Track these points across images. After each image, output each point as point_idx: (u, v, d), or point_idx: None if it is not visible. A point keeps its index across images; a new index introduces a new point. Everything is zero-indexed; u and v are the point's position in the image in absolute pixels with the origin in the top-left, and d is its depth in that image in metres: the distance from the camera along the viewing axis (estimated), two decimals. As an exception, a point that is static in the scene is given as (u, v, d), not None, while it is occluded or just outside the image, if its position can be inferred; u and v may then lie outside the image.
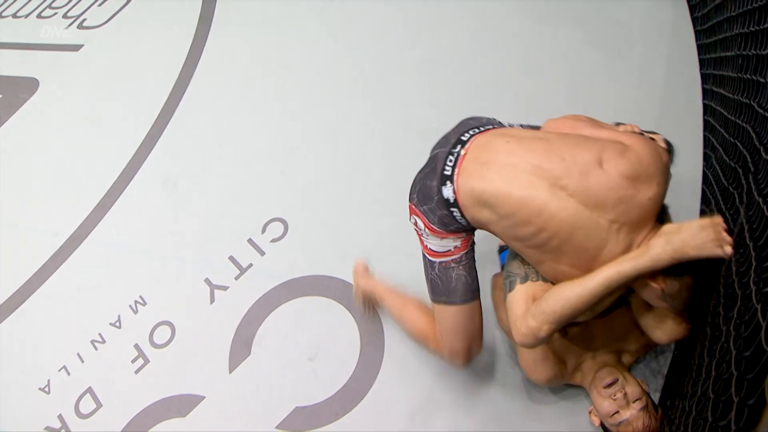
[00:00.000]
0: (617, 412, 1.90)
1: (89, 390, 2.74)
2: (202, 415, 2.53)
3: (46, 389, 2.80)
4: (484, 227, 1.79)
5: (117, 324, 2.88)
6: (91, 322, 2.93)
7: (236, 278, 2.82)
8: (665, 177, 1.62)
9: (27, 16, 4.90)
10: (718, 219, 1.49)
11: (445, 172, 1.78)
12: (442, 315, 1.97)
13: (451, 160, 1.78)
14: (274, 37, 3.77)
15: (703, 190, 2.41)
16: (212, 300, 2.79)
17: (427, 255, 1.91)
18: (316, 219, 2.88)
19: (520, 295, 1.73)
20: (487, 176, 1.70)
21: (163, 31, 4.23)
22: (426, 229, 1.86)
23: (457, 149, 1.79)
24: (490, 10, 3.32)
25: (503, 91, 2.99)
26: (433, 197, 1.81)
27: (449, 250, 1.87)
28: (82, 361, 2.83)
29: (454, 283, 1.90)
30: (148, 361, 2.73)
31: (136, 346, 2.79)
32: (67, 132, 3.80)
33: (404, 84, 3.21)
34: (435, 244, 1.88)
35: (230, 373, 2.58)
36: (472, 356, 2.04)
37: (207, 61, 3.84)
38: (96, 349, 2.85)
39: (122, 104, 3.82)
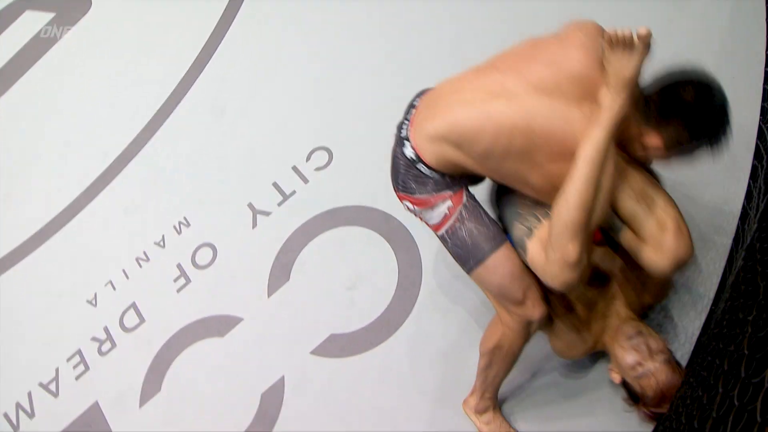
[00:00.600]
0: (639, 363, 1.83)
1: (133, 305, 2.82)
2: (239, 336, 2.59)
3: (93, 302, 2.90)
4: (455, 168, 1.73)
5: (161, 243, 2.94)
6: (136, 240, 3.00)
7: (279, 204, 2.83)
8: (596, 42, 1.57)
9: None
10: (622, 33, 1.46)
11: (402, 135, 1.77)
12: (482, 280, 1.84)
13: (405, 124, 1.78)
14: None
15: (757, 144, 2.30)
16: (254, 225, 2.81)
17: (436, 233, 1.83)
18: (360, 149, 2.86)
19: (533, 249, 1.66)
20: (433, 116, 1.70)
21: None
22: (416, 207, 1.81)
23: (410, 113, 1.80)
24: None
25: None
26: (401, 166, 1.78)
27: (446, 214, 1.79)
28: (128, 278, 2.91)
29: (470, 242, 1.78)
30: (190, 281, 2.79)
31: (179, 266, 2.85)
32: (118, 54, 3.80)
33: (458, 16, 3.11)
34: (432, 216, 1.80)
35: (268, 297, 2.62)
36: (535, 303, 1.83)
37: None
38: (140, 266, 2.92)
39: (173, 28, 3.80)
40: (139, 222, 3.05)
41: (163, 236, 2.96)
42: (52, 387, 2.76)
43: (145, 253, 2.95)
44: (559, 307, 1.91)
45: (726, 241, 2.18)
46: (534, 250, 1.66)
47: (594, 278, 1.92)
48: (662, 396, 1.80)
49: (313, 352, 2.45)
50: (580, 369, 2.14)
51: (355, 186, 2.76)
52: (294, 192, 2.84)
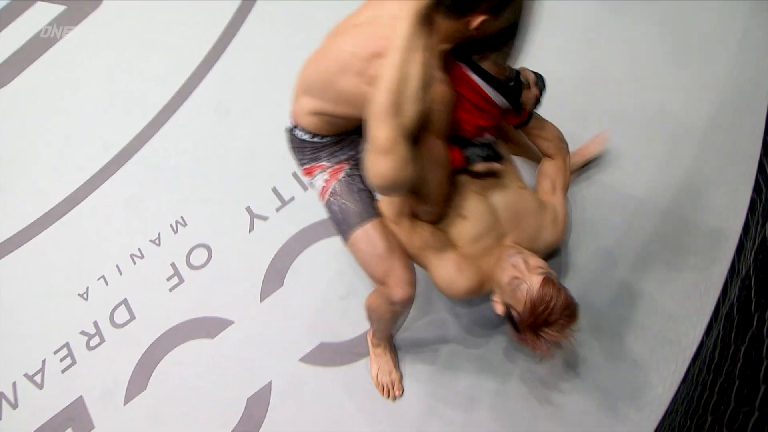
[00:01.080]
0: (516, 277, 1.82)
1: (125, 301, 2.81)
2: (229, 339, 2.58)
3: (85, 296, 2.88)
4: (321, 123, 1.82)
5: (157, 241, 2.93)
6: (132, 236, 2.99)
7: (277, 210, 2.83)
8: None
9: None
10: None
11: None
12: (352, 253, 1.93)
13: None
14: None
15: (756, 177, 2.32)
16: (251, 228, 2.81)
17: (322, 202, 1.95)
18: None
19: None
20: (299, 79, 1.84)
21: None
22: (306, 176, 1.96)
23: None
24: None
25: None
26: (292, 142, 1.95)
27: (323, 186, 1.91)
28: (121, 274, 2.90)
29: (340, 216, 1.89)
30: (183, 281, 2.78)
31: (173, 265, 2.84)
32: (125, 50, 3.80)
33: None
34: (315, 186, 1.94)
35: (261, 302, 2.61)
36: (397, 285, 1.87)
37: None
38: (135, 263, 2.91)
39: (182, 26, 3.80)
40: (136, 219, 3.04)
41: (159, 234, 2.95)
42: (38, 379, 2.74)
43: (140, 249, 2.94)
44: (444, 241, 1.94)
45: (722, 272, 2.19)
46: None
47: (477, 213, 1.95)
48: (534, 306, 1.75)
49: (302, 360, 2.44)
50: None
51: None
52: (293, 198, 2.84)
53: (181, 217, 2.96)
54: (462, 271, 1.90)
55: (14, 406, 2.70)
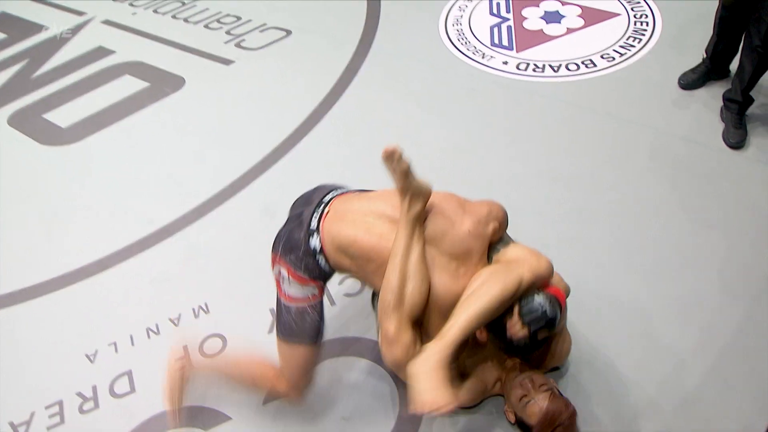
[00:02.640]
0: (525, 395, 2.13)
1: (129, 373, 2.80)
2: (223, 434, 2.54)
3: (92, 358, 2.89)
4: (346, 271, 2.19)
5: (175, 321, 2.96)
6: (153, 311, 3.02)
7: (299, 318, 2.85)
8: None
9: (196, 23, 5.27)
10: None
11: (311, 227, 2.14)
12: (292, 354, 2.25)
13: (316, 216, 2.15)
14: (407, 110, 3.91)
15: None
16: (270, 330, 2.83)
17: (284, 301, 2.22)
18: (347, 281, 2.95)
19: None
20: (344, 227, 2.08)
21: (311, 68, 4.47)
22: (290, 277, 2.17)
23: (320, 207, 2.18)
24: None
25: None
26: (300, 247, 2.14)
27: (307, 297, 2.19)
28: (132, 344, 2.91)
29: (308, 326, 2.20)
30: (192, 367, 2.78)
31: (185, 348, 2.85)
32: (193, 134, 4.01)
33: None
34: (296, 291, 2.18)
35: (263, 404, 2.59)
36: (294, 391, 2.33)
37: (337, 112, 4.01)
38: (149, 337, 2.93)
39: (251, 122, 4.02)
40: (161, 295, 3.09)
41: (179, 315, 2.98)
42: (21, 430, 2.70)
43: (157, 326, 2.96)
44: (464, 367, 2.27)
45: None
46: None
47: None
48: (545, 419, 2.06)
49: (290, 474, 2.39)
50: None
51: (347, 317, 2.80)
52: (317, 310, 2.87)
53: (205, 304, 3.00)
54: (478, 385, 2.29)
55: (-9, 452, 2.65)
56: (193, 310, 2.99)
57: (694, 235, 2.89)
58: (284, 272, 2.18)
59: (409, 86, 4.15)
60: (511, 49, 4.24)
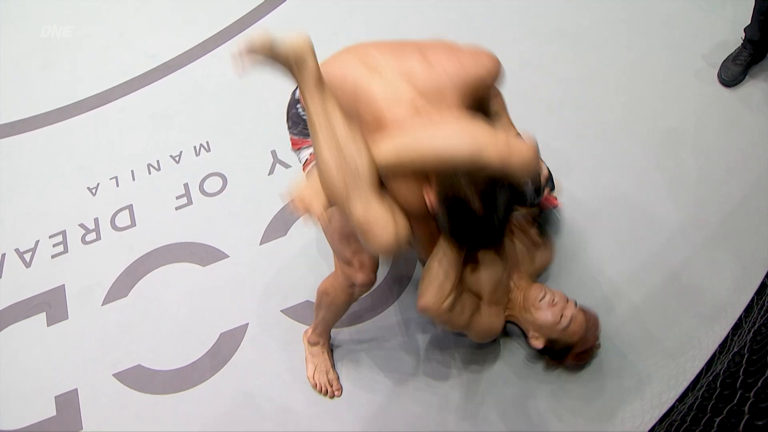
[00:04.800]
0: (561, 315, 1.98)
1: (129, 207, 2.83)
2: (219, 271, 2.58)
3: (93, 191, 2.91)
4: None
5: (176, 158, 2.95)
6: (155, 147, 3.01)
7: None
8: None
9: None
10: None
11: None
12: (323, 230, 2.00)
13: None
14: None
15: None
16: (271, 172, 2.81)
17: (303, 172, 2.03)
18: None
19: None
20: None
21: None
22: (292, 147, 2.04)
23: None
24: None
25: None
26: (290, 105, 1.97)
27: (307, 159, 1.99)
28: (133, 179, 2.91)
29: None
30: (191, 204, 2.79)
31: (186, 186, 2.85)
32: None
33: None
34: (300, 158, 2.04)
35: (260, 244, 2.62)
36: (361, 267, 1.94)
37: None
38: (149, 173, 2.93)
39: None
40: (163, 131, 3.06)
41: (180, 152, 2.96)
42: (27, 257, 2.76)
43: (158, 162, 2.95)
44: (468, 301, 1.99)
45: (711, 346, 2.17)
46: None
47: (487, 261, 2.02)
48: (586, 334, 2.02)
49: (284, 312, 2.44)
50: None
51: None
52: (319, 153, 2.83)
53: (207, 142, 2.97)
54: (498, 317, 2.06)
55: (-3, 276, 2.73)
56: (195, 147, 2.96)
57: (702, 110, 2.75)
58: (290, 143, 2.06)
59: None
60: None
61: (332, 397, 2.25)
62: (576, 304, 2.02)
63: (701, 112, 2.73)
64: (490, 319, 2.04)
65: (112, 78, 3.31)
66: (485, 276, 2.01)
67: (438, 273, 1.88)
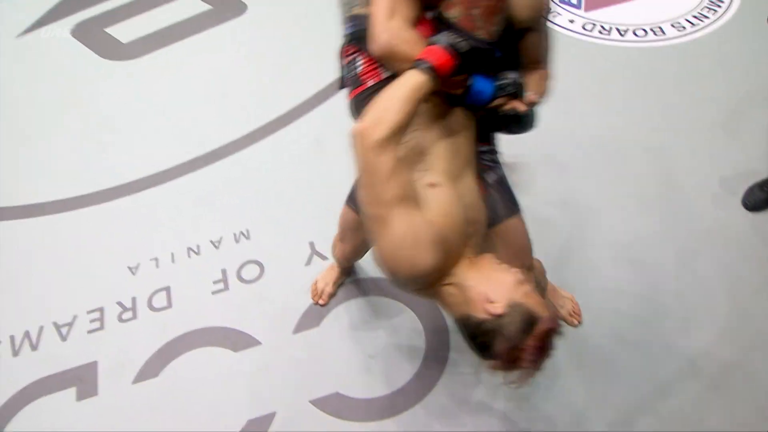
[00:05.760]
0: (524, 280, 1.50)
1: (167, 289, 2.89)
2: (251, 357, 2.62)
3: (134, 270, 2.98)
4: None
5: (216, 244, 3.02)
6: (196, 231, 3.09)
7: (337, 254, 2.89)
8: None
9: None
10: None
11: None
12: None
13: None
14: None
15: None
16: (308, 263, 2.88)
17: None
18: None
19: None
20: None
21: None
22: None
23: None
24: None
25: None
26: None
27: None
28: (173, 262, 2.99)
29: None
30: (228, 289, 2.85)
31: (223, 271, 2.92)
32: (250, 60, 3.99)
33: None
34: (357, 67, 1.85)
35: (293, 333, 2.65)
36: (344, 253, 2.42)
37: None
38: (189, 257, 3.00)
39: (312, 51, 3.93)
40: (205, 216, 3.15)
41: (221, 238, 3.04)
42: (64, 330, 2.82)
43: (198, 246, 3.03)
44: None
45: None
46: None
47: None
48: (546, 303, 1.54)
49: (313, 402, 2.45)
50: None
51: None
52: (355, 248, 2.90)
53: (247, 230, 3.05)
54: (435, 244, 1.46)
55: (34, 347, 2.78)
56: (234, 234, 3.05)
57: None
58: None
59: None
60: (579, 7, 4.11)
61: (316, 303, 2.72)
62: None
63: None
64: (421, 228, 1.46)
65: (161, 163, 3.44)
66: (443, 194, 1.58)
67: (391, 102, 1.50)
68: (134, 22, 4.38)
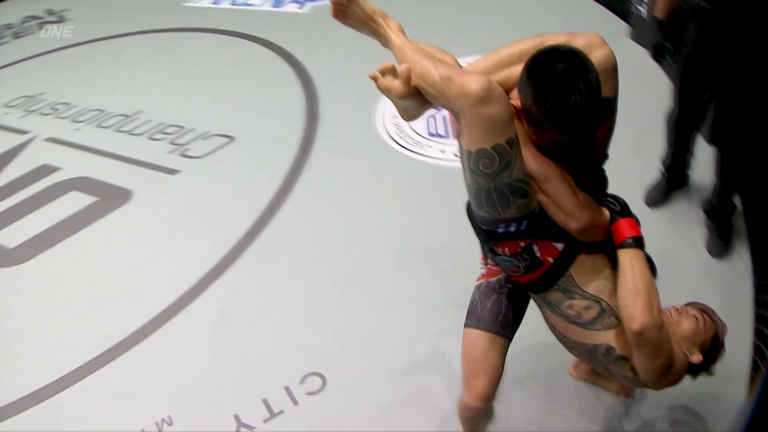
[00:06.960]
0: (693, 315, 1.89)
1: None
2: None
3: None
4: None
5: (138, 437, 2.93)
6: (115, 428, 2.98)
7: (264, 421, 2.84)
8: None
9: (140, 135, 5.39)
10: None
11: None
12: (463, 340, 2.07)
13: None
14: (353, 206, 4.04)
15: None
16: (236, 438, 2.83)
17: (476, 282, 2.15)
18: (356, 382, 2.93)
19: None
20: None
21: (254, 173, 4.59)
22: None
23: None
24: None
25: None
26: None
27: (479, 276, 2.15)
28: (94, 462, 2.86)
29: (470, 306, 2.10)
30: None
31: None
32: (144, 245, 4.05)
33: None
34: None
35: None
36: (471, 391, 2.01)
37: (286, 212, 4.11)
38: (111, 457, 2.88)
39: (202, 231, 4.08)
40: (122, 411, 3.05)
41: (142, 430, 2.95)
42: None
43: (117, 443, 2.92)
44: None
45: None
46: None
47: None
48: (712, 316, 1.91)
49: None
50: None
51: (346, 417, 2.80)
52: (282, 412, 2.87)
53: (168, 416, 2.97)
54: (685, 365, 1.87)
55: None
56: (157, 423, 2.96)
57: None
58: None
59: (352, 179, 4.30)
60: (447, 137, 4.45)
61: None
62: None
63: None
64: (679, 356, 1.84)
65: (67, 364, 3.34)
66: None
67: (631, 286, 1.74)
68: (18, 226, 4.36)
